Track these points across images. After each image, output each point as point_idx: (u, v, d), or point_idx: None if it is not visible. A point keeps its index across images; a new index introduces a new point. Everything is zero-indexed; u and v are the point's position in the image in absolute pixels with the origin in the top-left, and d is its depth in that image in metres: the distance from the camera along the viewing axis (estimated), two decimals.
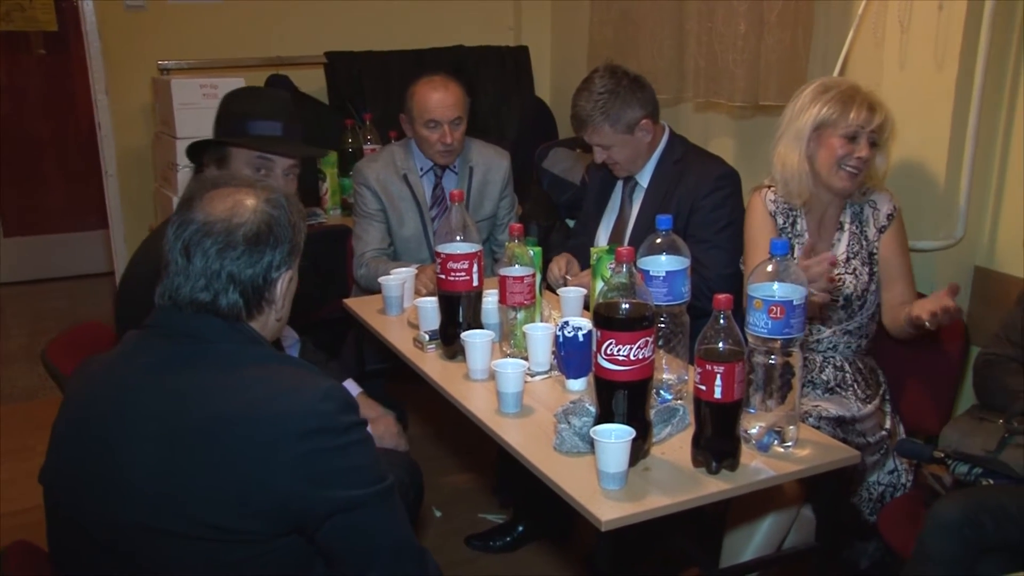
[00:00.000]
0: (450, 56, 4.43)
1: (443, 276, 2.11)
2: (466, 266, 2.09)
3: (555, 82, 4.80)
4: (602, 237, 2.81)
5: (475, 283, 2.12)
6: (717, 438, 1.62)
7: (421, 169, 3.07)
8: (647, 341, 1.59)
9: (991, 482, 1.93)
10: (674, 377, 1.92)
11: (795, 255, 2.35)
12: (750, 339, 1.68)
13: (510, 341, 2.12)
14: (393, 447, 2.23)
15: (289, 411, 1.31)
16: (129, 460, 1.32)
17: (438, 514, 3.03)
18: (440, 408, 2.16)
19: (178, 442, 1.30)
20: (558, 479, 1.60)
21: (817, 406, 2.24)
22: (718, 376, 1.56)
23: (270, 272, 1.45)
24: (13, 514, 2.88)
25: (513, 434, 1.79)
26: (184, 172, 2.66)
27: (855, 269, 2.33)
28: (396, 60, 4.36)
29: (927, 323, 2.05)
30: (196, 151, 2.30)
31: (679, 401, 1.87)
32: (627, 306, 1.59)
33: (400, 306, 2.50)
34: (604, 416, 1.63)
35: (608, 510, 1.50)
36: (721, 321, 1.58)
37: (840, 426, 2.21)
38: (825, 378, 2.34)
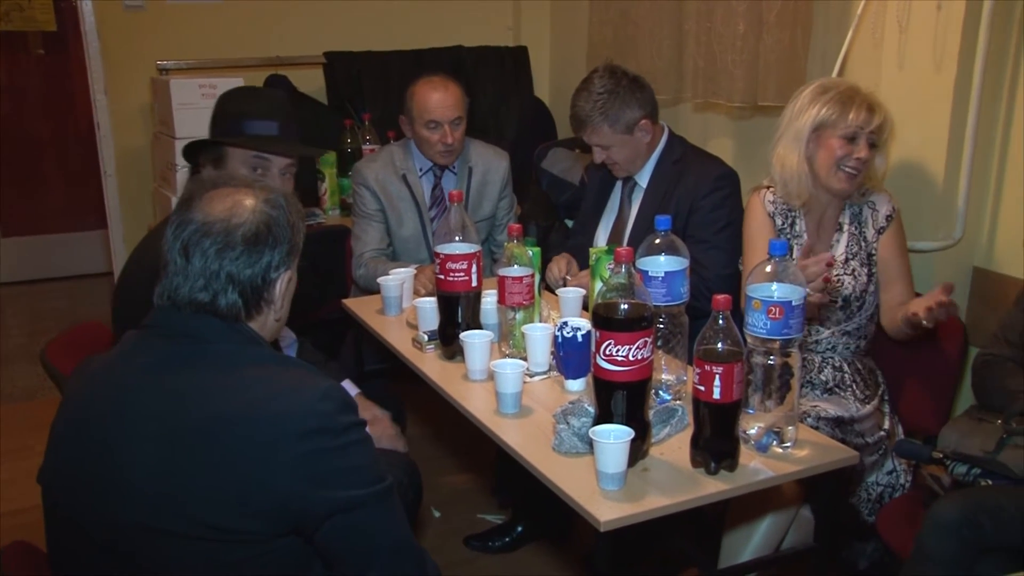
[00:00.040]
0: (449, 56, 4.43)
1: (442, 276, 2.11)
2: (465, 266, 2.09)
3: (554, 82, 4.80)
4: (601, 237, 2.81)
5: (474, 283, 2.12)
6: (716, 439, 1.61)
7: (420, 169, 3.07)
8: (646, 341, 1.59)
9: (990, 483, 1.93)
10: (673, 378, 1.92)
11: (794, 256, 2.35)
12: (749, 339, 1.68)
13: (509, 341, 2.12)
14: (391, 448, 2.23)
15: (288, 411, 1.31)
16: (129, 460, 1.32)
17: (437, 514, 3.03)
18: (439, 408, 2.16)
19: (178, 442, 1.30)
20: (557, 479, 1.60)
21: (816, 406, 2.24)
22: (717, 377, 1.56)
23: (269, 272, 1.45)
24: (13, 514, 2.88)
25: (512, 434, 1.79)
26: (183, 172, 2.66)
27: (854, 270, 2.33)
28: (395, 60, 4.36)
29: (924, 320, 2.05)
30: (192, 151, 2.30)
31: (678, 402, 1.87)
32: (626, 306, 1.59)
33: (399, 306, 2.50)
34: (603, 416, 1.63)
35: (607, 510, 1.50)
36: (720, 321, 1.58)
37: (839, 426, 2.21)
38: (824, 378, 2.34)
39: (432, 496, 2.98)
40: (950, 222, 2.55)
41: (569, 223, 3.71)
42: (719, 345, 1.57)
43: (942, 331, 2.36)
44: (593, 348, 1.62)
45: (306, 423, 1.30)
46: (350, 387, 2.35)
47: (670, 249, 1.87)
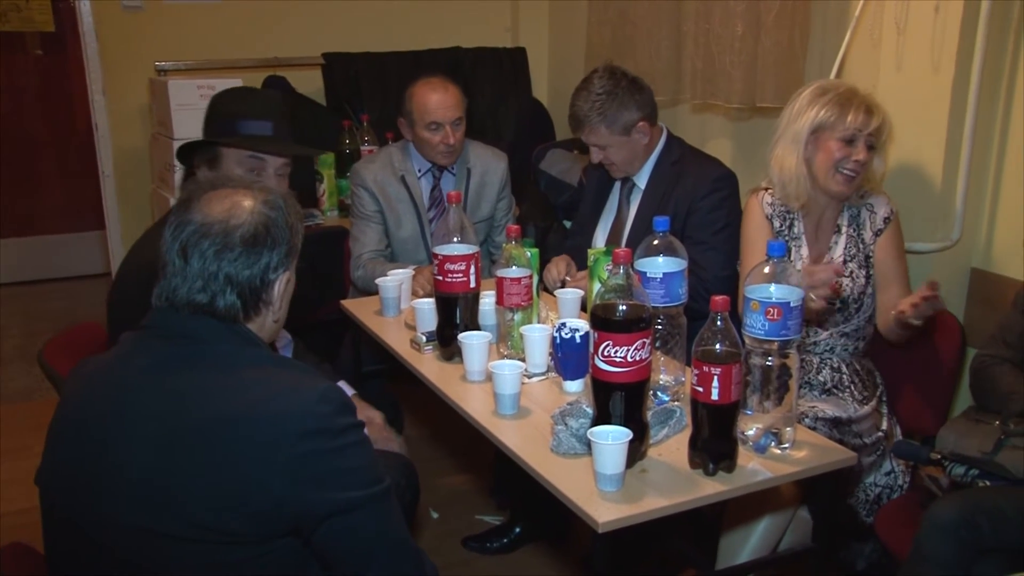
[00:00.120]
0: (447, 57, 4.43)
1: (440, 277, 2.11)
2: (463, 267, 2.09)
3: (552, 83, 4.80)
4: (599, 238, 2.81)
5: (472, 284, 2.12)
6: (714, 440, 1.62)
7: (419, 171, 3.07)
8: (644, 343, 1.59)
9: (988, 484, 1.93)
10: (671, 379, 1.92)
11: (792, 258, 2.36)
12: (747, 341, 1.68)
13: (507, 342, 2.12)
14: (385, 448, 2.22)
15: (288, 411, 1.31)
16: (128, 460, 1.32)
17: (435, 515, 3.03)
18: (437, 409, 2.16)
19: (178, 442, 1.30)
20: (555, 480, 1.60)
21: (814, 407, 2.24)
22: (715, 378, 1.56)
23: (267, 274, 1.45)
24: (12, 514, 2.88)
25: (510, 435, 1.79)
26: (181, 173, 2.66)
27: (852, 272, 2.33)
28: (394, 61, 4.36)
29: (910, 317, 2.06)
30: (187, 152, 2.29)
31: (676, 403, 1.87)
32: (624, 308, 1.59)
33: (397, 307, 2.49)
34: (601, 418, 1.63)
35: (605, 512, 1.50)
36: (718, 323, 1.58)
37: (837, 427, 2.21)
38: (822, 379, 2.34)
39: (430, 497, 2.98)
40: (948, 223, 2.55)
41: (567, 224, 3.71)
42: (717, 346, 1.57)
43: (940, 332, 2.36)
44: (591, 349, 1.62)
45: (305, 424, 1.30)
46: (346, 388, 2.34)
47: (668, 250, 1.87)
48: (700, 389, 1.58)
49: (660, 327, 1.87)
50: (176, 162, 2.41)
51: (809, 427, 2.03)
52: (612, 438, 1.55)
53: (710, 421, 1.60)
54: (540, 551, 2.83)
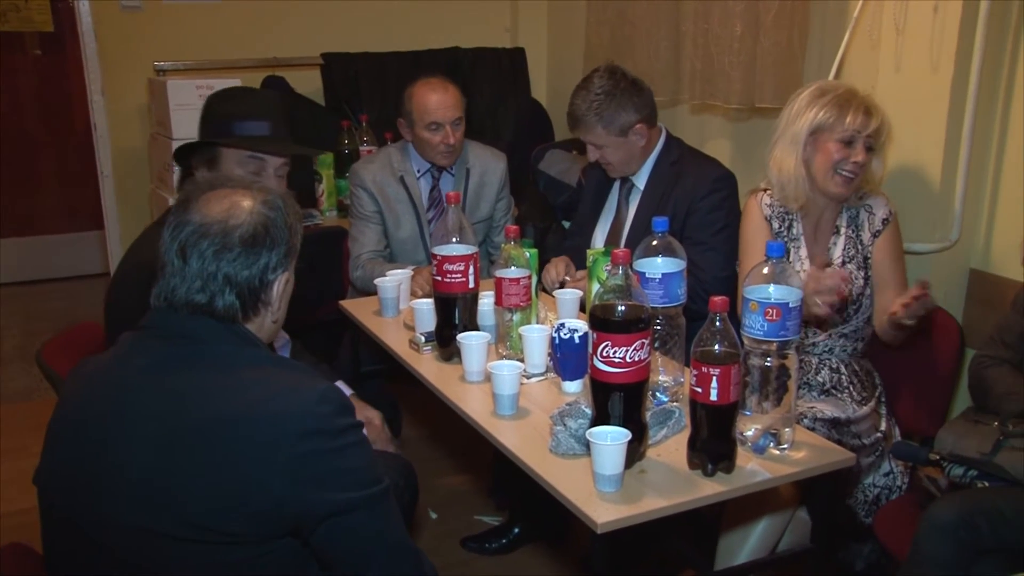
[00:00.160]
0: (446, 57, 4.43)
1: (439, 278, 2.11)
2: (462, 268, 2.09)
3: (551, 84, 4.80)
4: (598, 239, 2.81)
5: (471, 285, 2.12)
6: (713, 440, 1.62)
7: (418, 171, 3.07)
8: (643, 343, 1.59)
9: (986, 484, 1.93)
10: (670, 379, 1.92)
11: (790, 259, 2.36)
12: (746, 341, 1.68)
13: (506, 343, 2.12)
14: (383, 449, 2.22)
15: (287, 412, 1.31)
16: (127, 460, 1.32)
17: (434, 516, 3.03)
18: (436, 410, 2.16)
19: (178, 442, 1.30)
20: (554, 481, 1.60)
21: (813, 407, 2.24)
22: (714, 378, 1.56)
23: (266, 274, 1.45)
24: (11, 514, 2.88)
25: (509, 436, 1.79)
26: (178, 174, 2.66)
27: (851, 273, 2.33)
28: (393, 61, 4.36)
29: (903, 318, 2.06)
30: (184, 154, 2.27)
31: (675, 403, 1.87)
32: (623, 308, 1.59)
33: (396, 308, 2.49)
34: (600, 418, 1.63)
35: (604, 512, 1.50)
36: (717, 323, 1.58)
37: (835, 428, 2.21)
38: (821, 380, 2.34)
39: (429, 497, 2.98)
40: (947, 224, 2.55)
41: (566, 224, 3.71)
42: (716, 347, 1.57)
43: (938, 333, 2.36)
44: (590, 350, 1.62)
45: (305, 424, 1.30)
46: (343, 388, 2.34)
47: (667, 251, 1.87)
48: (699, 390, 1.58)
49: (659, 328, 1.87)
50: (174, 163, 2.40)
51: (808, 428, 2.04)
52: (611, 439, 1.55)
53: (709, 422, 1.60)
54: (539, 552, 2.83)
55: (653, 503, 1.54)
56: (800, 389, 2.31)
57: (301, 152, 2.43)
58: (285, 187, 2.25)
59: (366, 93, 4.29)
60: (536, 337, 2.02)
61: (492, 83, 4.53)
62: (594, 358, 1.61)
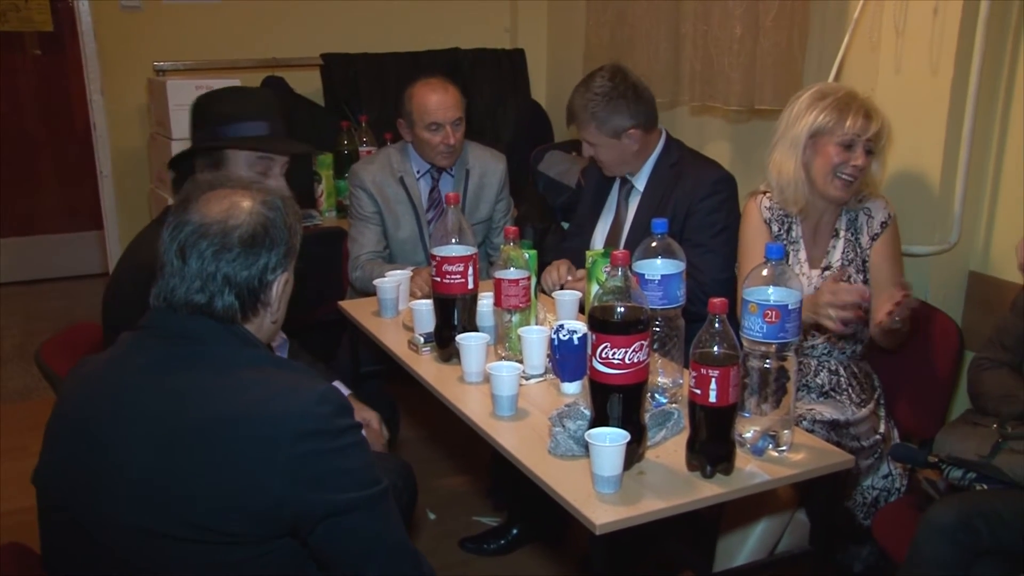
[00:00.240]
0: (446, 58, 4.43)
1: (438, 279, 2.11)
2: (461, 269, 2.09)
3: (551, 85, 4.80)
4: (598, 240, 2.81)
5: (470, 286, 2.12)
6: (712, 442, 1.62)
7: (417, 172, 3.07)
8: (642, 345, 1.59)
9: (985, 487, 1.93)
10: (669, 381, 1.92)
11: (790, 261, 2.36)
12: (745, 343, 1.68)
13: (505, 344, 2.12)
14: (380, 450, 2.22)
15: (287, 412, 1.31)
16: (127, 460, 1.32)
17: (432, 517, 3.03)
18: (434, 411, 2.16)
19: (178, 442, 1.30)
20: (552, 482, 1.60)
21: (812, 409, 2.24)
22: (713, 380, 1.56)
23: (266, 274, 1.45)
24: (10, 514, 2.87)
25: (507, 437, 1.79)
26: (172, 177, 2.63)
27: (850, 276, 2.33)
28: (392, 62, 4.36)
29: (889, 325, 2.06)
30: (184, 156, 2.23)
31: (674, 405, 1.87)
32: (622, 310, 1.59)
33: (395, 308, 2.49)
34: (599, 419, 1.63)
35: (602, 513, 1.50)
36: (716, 325, 1.58)
37: (834, 430, 2.21)
38: (820, 382, 2.34)
39: (427, 498, 2.98)
40: (946, 226, 2.55)
41: (565, 226, 3.71)
42: (715, 348, 1.57)
43: (937, 335, 2.36)
44: (589, 351, 1.62)
45: (304, 424, 1.30)
46: (341, 388, 2.34)
47: (667, 252, 1.87)
48: (698, 391, 1.58)
49: (658, 329, 1.87)
50: (169, 169, 2.35)
51: (807, 430, 2.04)
52: (610, 440, 1.55)
53: (708, 423, 1.60)
54: (537, 552, 2.83)
55: (652, 504, 1.54)
56: (799, 391, 2.31)
57: (307, 151, 2.42)
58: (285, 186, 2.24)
59: (366, 94, 4.29)
60: (535, 338, 2.02)
61: (492, 84, 4.53)
62: (593, 359, 1.61)
